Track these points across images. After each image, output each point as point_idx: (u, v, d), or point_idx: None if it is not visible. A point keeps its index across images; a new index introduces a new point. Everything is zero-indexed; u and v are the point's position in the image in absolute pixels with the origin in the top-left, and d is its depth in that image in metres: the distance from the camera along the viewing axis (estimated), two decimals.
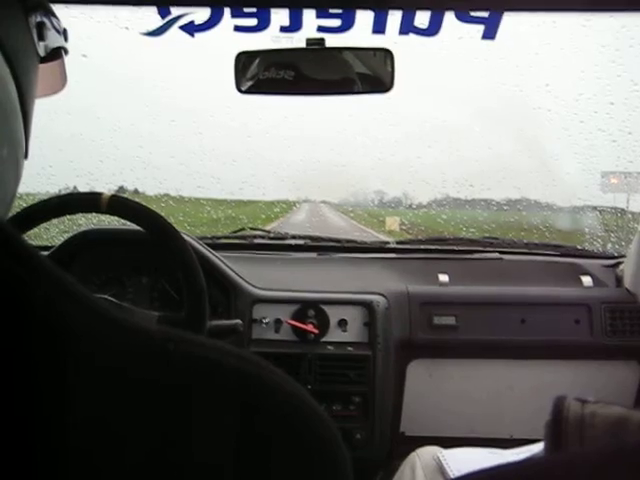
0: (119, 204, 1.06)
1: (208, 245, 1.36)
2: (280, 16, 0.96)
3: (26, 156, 0.40)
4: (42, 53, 0.40)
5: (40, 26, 0.39)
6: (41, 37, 0.40)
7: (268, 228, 1.94)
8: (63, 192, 1.43)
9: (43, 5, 0.40)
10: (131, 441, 0.24)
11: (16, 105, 0.36)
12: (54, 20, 0.42)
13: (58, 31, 0.43)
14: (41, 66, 0.42)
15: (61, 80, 0.48)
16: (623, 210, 2.27)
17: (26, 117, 0.38)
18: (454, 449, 0.97)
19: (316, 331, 1.30)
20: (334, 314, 1.33)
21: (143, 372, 0.25)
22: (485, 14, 0.91)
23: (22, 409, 0.22)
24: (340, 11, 0.96)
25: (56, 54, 0.44)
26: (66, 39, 0.45)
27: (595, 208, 2.24)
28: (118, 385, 0.24)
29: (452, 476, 0.87)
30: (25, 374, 0.23)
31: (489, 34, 0.93)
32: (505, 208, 2.46)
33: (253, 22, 0.97)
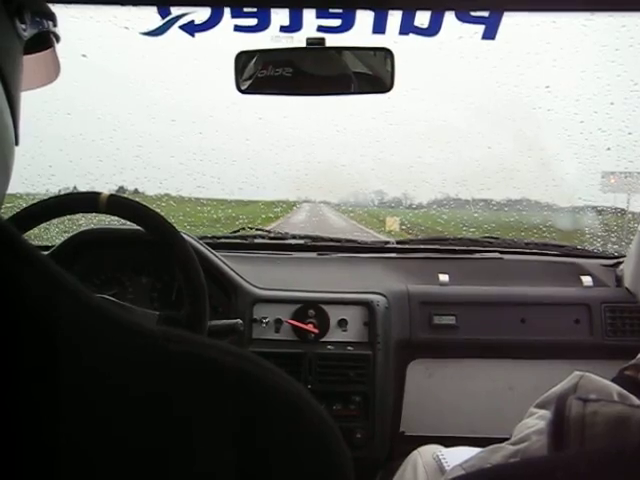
0: (118, 203, 1.06)
1: (208, 245, 1.36)
2: (280, 16, 0.96)
3: (17, 142, 0.38)
4: (25, 36, 0.38)
5: (19, 8, 0.37)
6: (21, 19, 0.37)
7: (268, 228, 1.94)
8: (63, 192, 1.43)
9: None
10: (130, 440, 0.24)
11: (1, 96, 0.34)
12: (37, 2, 0.40)
13: (42, 13, 0.41)
14: (34, 56, 0.40)
15: (55, 68, 0.47)
16: (623, 210, 2.28)
17: (12, 104, 0.36)
18: (454, 447, 0.97)
19: (316, 331, 1.30)
20: (334, 314, 1.33)
21: (143, 371, 0.25)
22: (485, 14, 0.91)
23: (13, 406, 0.22)
24: (340, 11, 0.96)
25: (46, 41, 0.42)
26: (55, 24, 0.43)
27: (595, 208, 2.24)
28: (117, 384, 0.24)
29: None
30: (20, 371, 0.23)
31: (489, 34, 0.93)
32: (505, 209, 2.46)
33: (253, 22, 0.97)
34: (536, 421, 0.63)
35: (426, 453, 0.98)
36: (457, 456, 0.88)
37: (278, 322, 1.33)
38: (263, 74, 1.00)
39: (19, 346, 0.23)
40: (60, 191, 1.97)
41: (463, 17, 0.92)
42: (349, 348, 1.32)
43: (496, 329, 1.38)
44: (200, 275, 1.07)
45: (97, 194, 1.06)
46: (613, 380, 0.64)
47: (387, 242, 1.69)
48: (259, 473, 0.26)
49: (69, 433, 0.23)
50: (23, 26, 0.37)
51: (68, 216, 1.13)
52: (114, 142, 2.12)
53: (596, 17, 1.41)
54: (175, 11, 0.98)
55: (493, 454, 0.61)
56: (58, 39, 0.44)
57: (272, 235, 1.70)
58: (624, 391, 0.56)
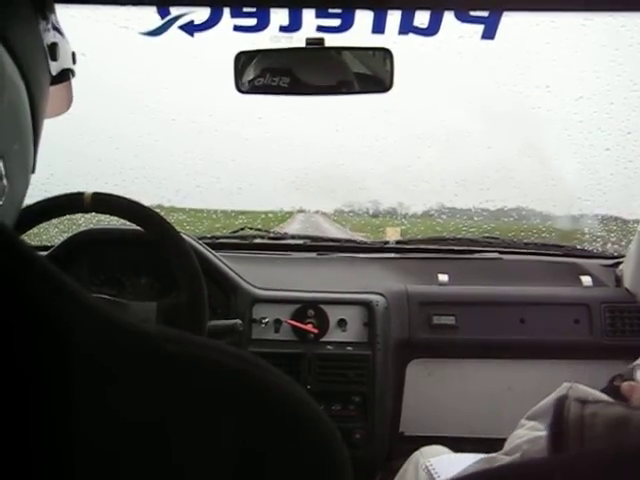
0: (102, 201, 1.06)
1: (208, 245, 1.36)
2: (279, 16, 0.96)
3: (33, 170, 0.41)
4: (54, 72, 0.42)
5: (53, 46, 0.41)
6: (53, 57, 0.42)
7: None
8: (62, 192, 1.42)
9: (56, 26, 0.43)
10: (130, 440, 0.24)
11: (28, 119, 0.38)
12: (66, 42, 0.45)
13: (68, 53, 0.46)
14: (52, 88, 0.44)
15: (67, 102, 0.51)
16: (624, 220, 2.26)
17: (36, 131, 0.40)
18: (445, 455, 0.96)
19: (316, 331, 1.30)
20: (334, 314, 1.33)
21: (142, 372, 0.25)
22: (485, 14, 0.91)
23: (11, 407, 0.22)
24: (340, 11, 0.96)
25: (64, 76, 0.46)
26: (74, 62, 0.47)
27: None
28: (115, 384, 0.24)
29: None
30: (15, 373, 0.23)
31: (488, 34, 0.93)
32: (505, 210, 2.45)
33: (252, 22, 0.97)
34: (526, 432, 0.63)
35: (428, 454, 0.98)
36: (447, 466, 0.88)
37: (277, 322, 1.32)
38: (260, 82, 1.00)
39: (16, 347, 0.23)
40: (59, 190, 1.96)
41: (462, 17, 0.92)
42: (348, 348, 1.32)
43: (496, 329, 1.38)
44: (200, 276, 1.07)
45: (80, 194, 1.06)
46: (603, 390, 0.64)
47: (386, 242, 1.69)
48: (257, 474, 0.26)
49: (74, 432, 0.23)
50: (54, 63, 0.42)
51: (68, 216, 1.13)
52: (113, 141, 2.12)
53: (595, 17, 1.42)
54: (174, 11, 0.98)
55: (488, 465, 0.61)
56: (74, 75, 0.48)
57: (271, 235, 1.70)
58: (613, 401, 0.56)
